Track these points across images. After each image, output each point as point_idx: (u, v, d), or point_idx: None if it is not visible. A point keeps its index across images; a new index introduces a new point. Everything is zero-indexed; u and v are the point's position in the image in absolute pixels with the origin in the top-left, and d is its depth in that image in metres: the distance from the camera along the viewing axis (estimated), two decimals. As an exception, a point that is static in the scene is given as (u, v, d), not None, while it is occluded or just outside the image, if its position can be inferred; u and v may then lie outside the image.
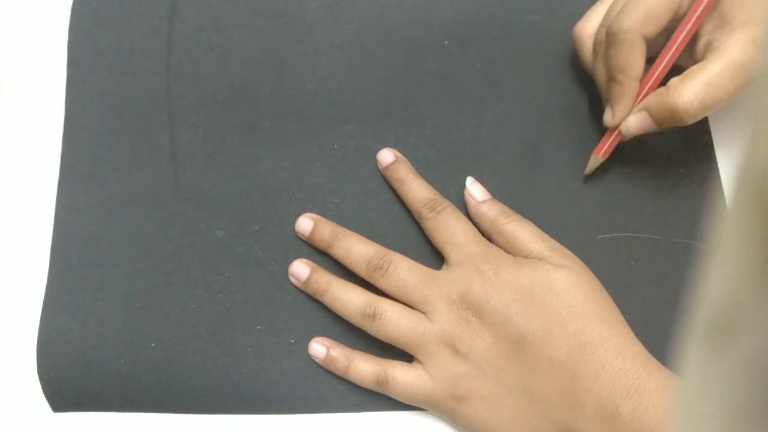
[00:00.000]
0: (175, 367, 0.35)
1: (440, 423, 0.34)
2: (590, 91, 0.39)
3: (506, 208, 0.35)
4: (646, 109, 0.34)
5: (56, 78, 0.40)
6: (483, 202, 0.35)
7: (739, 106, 0.35)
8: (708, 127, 0.38)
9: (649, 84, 0.34)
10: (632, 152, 0.37)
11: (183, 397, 0.35)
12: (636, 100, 0.34)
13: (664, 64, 0.33)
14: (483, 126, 0.38)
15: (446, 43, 0.40)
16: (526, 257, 0.33)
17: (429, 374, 0.33)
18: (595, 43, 0.35)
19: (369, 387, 0.34)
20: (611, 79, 0.34)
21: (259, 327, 0.36)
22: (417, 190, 0.36)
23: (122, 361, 0.35)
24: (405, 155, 0.37)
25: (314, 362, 0.35)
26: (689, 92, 0.32)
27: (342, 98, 0.39)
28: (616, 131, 0.35)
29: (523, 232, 0.34)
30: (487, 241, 0.34)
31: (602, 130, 0.38)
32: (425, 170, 0.37)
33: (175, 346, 0.35)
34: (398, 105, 0.39)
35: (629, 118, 0.34)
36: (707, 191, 0.37)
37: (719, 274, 0.12)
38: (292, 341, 0.35)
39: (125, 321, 0.36)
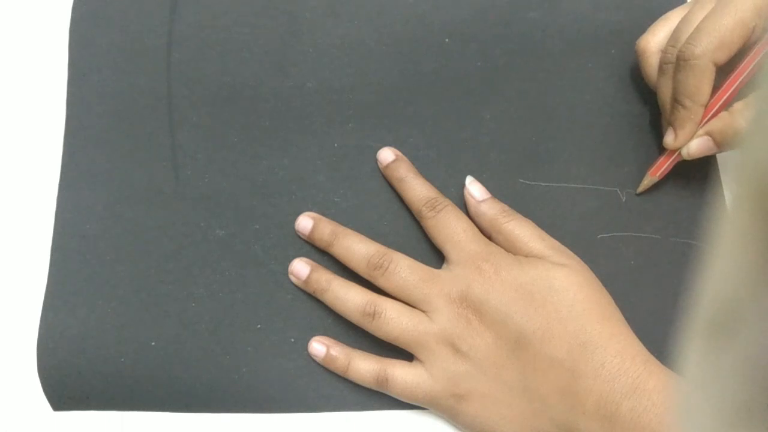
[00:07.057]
0: (175, 366, 0.35)
1: (440, 422, 0.35)
2: (591, 90, 0.39)
3: (506, 207, 0.35)
4: (709, 133, 0.33)
5: (57, 78, 0.40)
6: (483, 201, 0.35)
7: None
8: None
9: (715, 109, 0.33)
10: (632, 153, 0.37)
11: (183, 395, 0.35)
12: (699, 124, 0.34)
13: (731, 90, 0.33)
14: (483, 126, 0.38)
15: (447, 41, 0.40)
16: (526, 256, 0.33)
17: (429, 373, 0.33)
18: (662, 62, 0.34)
19: (369, 386, 0.34)
20: (677, 102, 0.33)
21: (259, 326, 0.36)
22: (417, 188, 0.36)
23: (122, 360, 0.35)
24: (405, 155, 0.37)
25: (314, 361, 0.35)
26: None
27: (342, 97, 0.39)
28: (676, 153, 0.35)
29: (523, 230, 0.34)
30: (488, 240, 0.35)
31: (602, 129, 0.38)
32: (425, 170, 0.37)
33: (175, 344, 0.35)
34: (398, 104, 0.39)
35: (691, 142, 0.34)
36: (707, 191, 0.37)
37: (719, 272, 0.12)
38: (292, 340, 0.35)
39: (125, 320, 0.36)
